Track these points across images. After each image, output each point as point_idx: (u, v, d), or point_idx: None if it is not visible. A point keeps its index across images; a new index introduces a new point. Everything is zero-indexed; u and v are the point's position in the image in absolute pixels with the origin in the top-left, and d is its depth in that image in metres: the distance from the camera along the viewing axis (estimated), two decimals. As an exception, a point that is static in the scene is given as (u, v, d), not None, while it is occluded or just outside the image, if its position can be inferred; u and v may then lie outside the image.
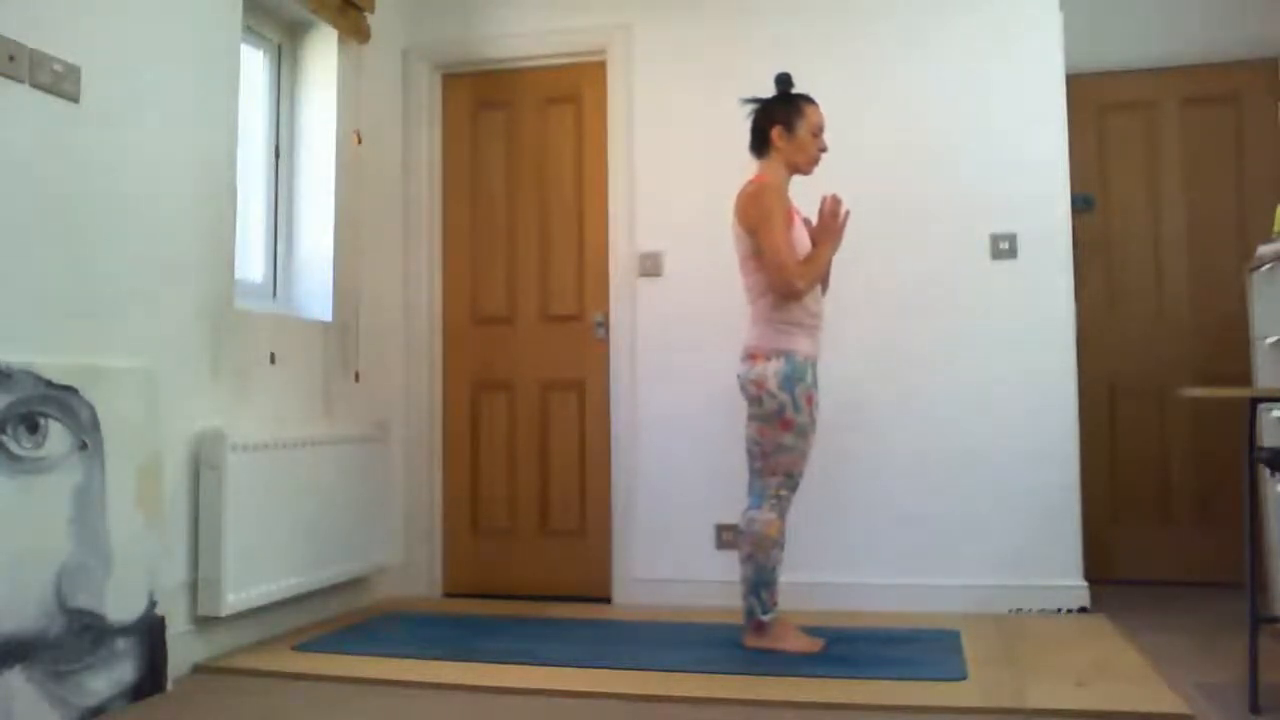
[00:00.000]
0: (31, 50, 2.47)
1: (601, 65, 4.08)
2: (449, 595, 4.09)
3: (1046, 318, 3.66)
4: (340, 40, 3.77)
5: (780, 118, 3.09)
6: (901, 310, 3.75)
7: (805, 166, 3.12)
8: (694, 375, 3.84)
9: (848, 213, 3.10)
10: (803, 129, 3.09)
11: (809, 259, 3.03)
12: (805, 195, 3.19)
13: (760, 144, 3.13)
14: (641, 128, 3.99)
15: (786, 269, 2.97)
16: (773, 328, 3.03)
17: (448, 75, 4.26)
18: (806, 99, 3.12)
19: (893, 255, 3.75)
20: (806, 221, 3.13)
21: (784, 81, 3.13)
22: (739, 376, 3.08)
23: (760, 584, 3.02)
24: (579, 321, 4.09)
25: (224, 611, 2.96)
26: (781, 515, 3.03)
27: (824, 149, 3.13)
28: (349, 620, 3.56)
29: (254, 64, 3.61)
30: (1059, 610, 3.56)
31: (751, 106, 3.15)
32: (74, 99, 2.59)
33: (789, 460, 3.02)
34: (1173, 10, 4.18)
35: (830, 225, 3.08)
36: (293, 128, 3.76)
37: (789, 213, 3.06)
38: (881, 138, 3.79)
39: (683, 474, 3.85)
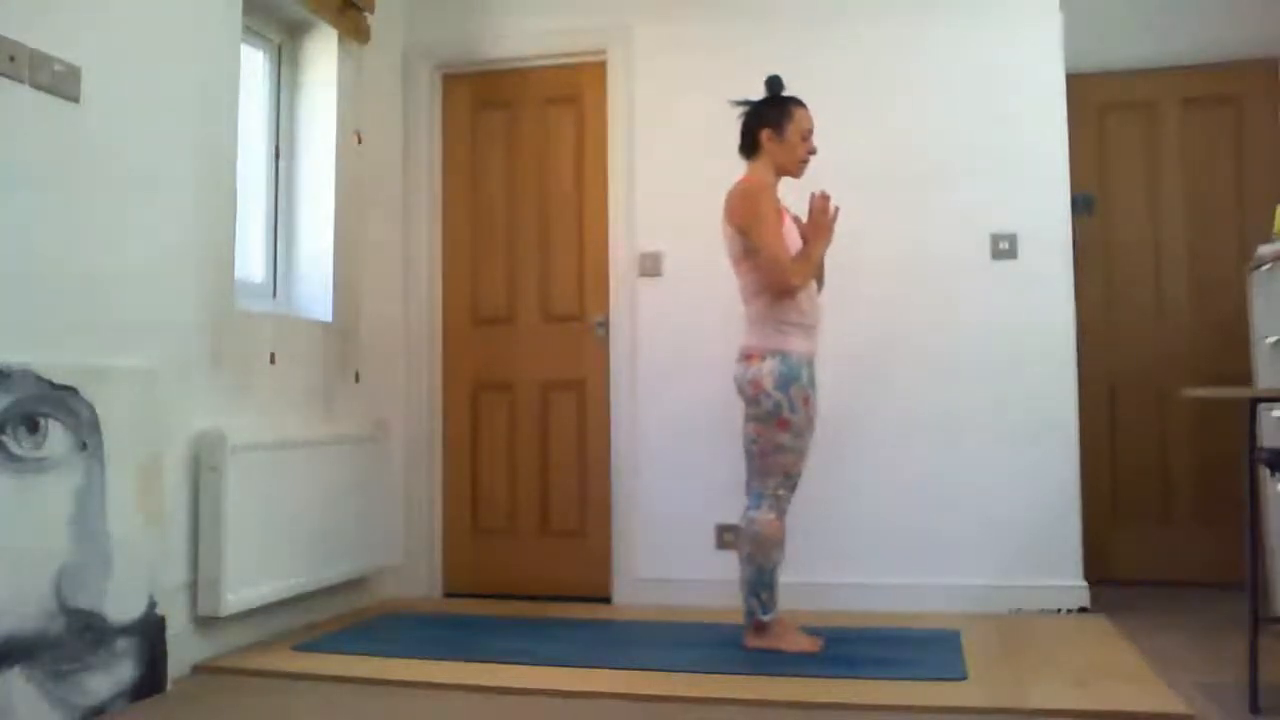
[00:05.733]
0: (31, 50, 2.47)
1: (601, 65, 4.08)
2: (449, 595, 4.09)
3: (1046, 318, 3.66)
4: (340, 40, 3.77)
5: (770, 120, 3.10)
6: (901, 310, 3.75)
7: (793, 169, 3.13)
8: (694, 375, 3.83)
9: (837, 209, 3.11)
10: (792, 132, 3.09)
11: (801, 256, 3.03)
12: (800, 194, 3.18)
13: (749, 146, 3.14)
14: (641, 128, 3.99)
15: (781, 266, 2.97)
16: (768, 327, 3.03)
17: (448, 75, 4.26)
18: (796, 102, 3.12)
19: (892, 255, 3.75)
20: (796, 219, 3.14)
21: (775, 84, 3.14)
22: (735, 377, 3.08)
23: (760, 584, 3.02)
24: (579, 321, 4.08)
25: (224, 611, 2.96)
26: (781, 515, 3.04)
27: (813, 152, 3.13)
28: (349, 620, 3.56)
29: (254, 64, 3.61)
30: (1059, 610, 3.56)
31: (742, 108, 3.16)
32: (74, 99, 2.59)
33: (787, 460, 3.02)
34: (1173, 10, 4.18)
35: (821, 222, 3.08)
36: (293, 128, 3.76)
37: (779, 211, 3.07)
38: (881, 138, 3.79)
39: (683, 474, 3.85)
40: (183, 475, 2.95)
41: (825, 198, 3.09)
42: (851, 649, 3.04)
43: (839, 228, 3.13)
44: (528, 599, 3.94)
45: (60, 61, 2.55)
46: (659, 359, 3.92)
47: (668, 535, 3.86)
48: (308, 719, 2.53)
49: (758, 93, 3.15)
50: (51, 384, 2.44)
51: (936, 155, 3.76)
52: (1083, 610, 3.56)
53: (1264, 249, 3.26)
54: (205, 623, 2.99)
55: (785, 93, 3.14)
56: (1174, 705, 2.44)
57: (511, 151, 4.19)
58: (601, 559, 3.97)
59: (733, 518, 3.27)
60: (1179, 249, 4.19)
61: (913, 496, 3.69)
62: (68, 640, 2.42)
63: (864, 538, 3.71)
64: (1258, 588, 2.54)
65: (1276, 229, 3.20)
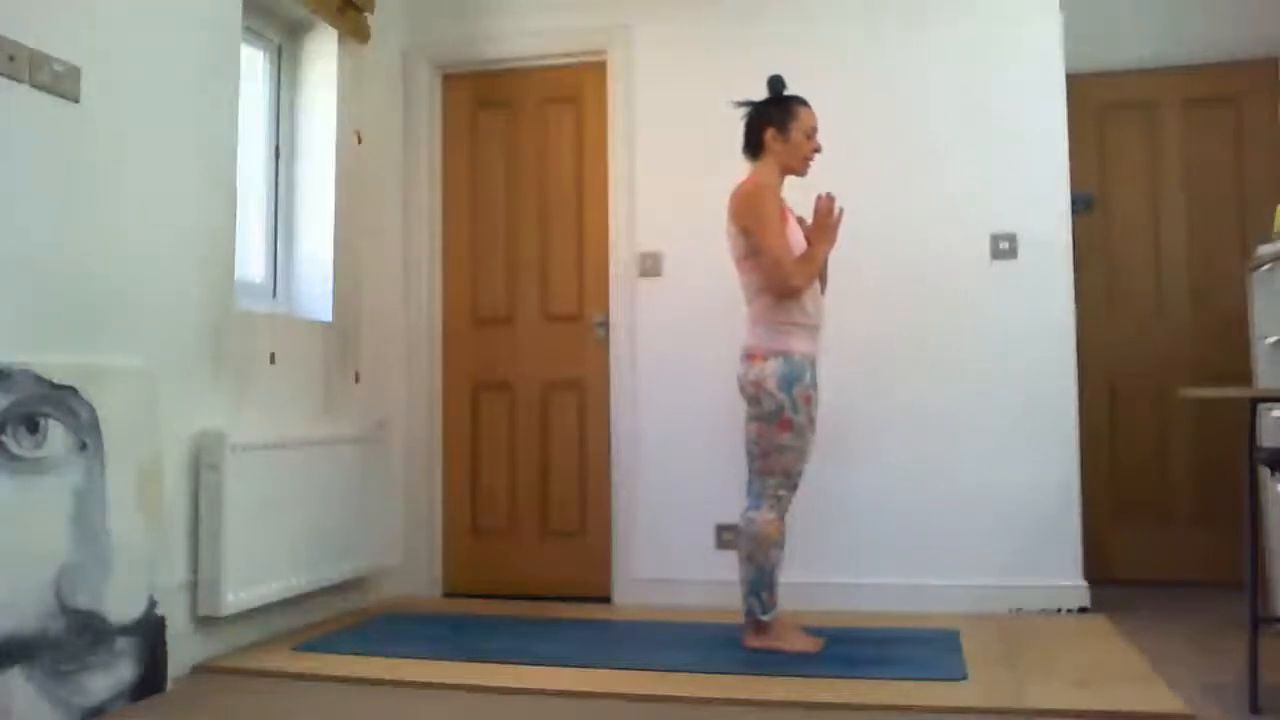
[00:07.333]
0: (31, 50, 2.47)
1: (601, 65, 4.08)
2: (449, 595, 4.09)
3: (1046, 318, 3.66)
4: (340, 40, 3.77)
5: (773, 120, 3.10)
6: (901, 310, 3.75)
7: (798, 168, 3.13)
8: (694, 375, 3.84)
9: (842, 210, 3.11)
10: (796, 131, 3.09)
11: (805, 257, 3.03)
12: (802, 195, 3.19)
13: (753, 146, 3.14)
14: (641, 128, 3.99)
15: (784, 267, 2.97)
16: (770, 328, 3.03)
17: (448, 75, 4.26)
18: (799, 101, 3.12)
19: (893, 255, 3.75)
20: (801, 220, 3.14)
21: (777, 84, 3.14)
22: (738, 377, 3.09)
23: (760, 584, 3.02)
24: (579, 321, 4.08)
25: (224, 611, 2.96)
26: (781, 515, 3.04)
27: (817, 150, 3.14)
28: (349, 620, 3.56)
29: (254, 64, 3.61)
30: (1059, 610, 3.56)
31: (745, 109, 3.16)
32: (74, 99, 2.59)
33: (788, 460, 3.02)
34: (1173, 10, 4.18)
35: (825, 224, 3.08)
36: (293, 128, 3.76)
37: (783, 212, 3.07)
38: (881, 137, 3.79)
39: (683, 474, 3.85)
40: (183, 475, 2.95)
41: (830, 199, 3.10)
42: (851, 649, 3.04)
43: (840, 228, 3.13)
44: (528, 599, 3.94)
45: (60, 61, 2.55)
46: (659, 359, 3.92)
47: (668, 535, 3.86)
48: (307, 719, 2.53)
49: (757, 92, 3.15)
50: (51, 384, 2.44)
51: (936, 155, 3.76)
52: (1083, 610, 3.56)
53: (1264, 249, 3.26)
54: (205, 623, 2.99)
55: (787, 92, 3.14)
56: (1174, 705, 2.44)
57: (511, 151, 4.19)
58: (601, 559, 3.97)
59: (733, 517, 3.27)
60: (1179, 249, 4.19)
61: (912, 496, 3.69)
62: (68, 640, 2.42)
63: (864, 538, 3.71)
64: (1258, 588, 2.54)
65: (1276, 229, 3.20)
